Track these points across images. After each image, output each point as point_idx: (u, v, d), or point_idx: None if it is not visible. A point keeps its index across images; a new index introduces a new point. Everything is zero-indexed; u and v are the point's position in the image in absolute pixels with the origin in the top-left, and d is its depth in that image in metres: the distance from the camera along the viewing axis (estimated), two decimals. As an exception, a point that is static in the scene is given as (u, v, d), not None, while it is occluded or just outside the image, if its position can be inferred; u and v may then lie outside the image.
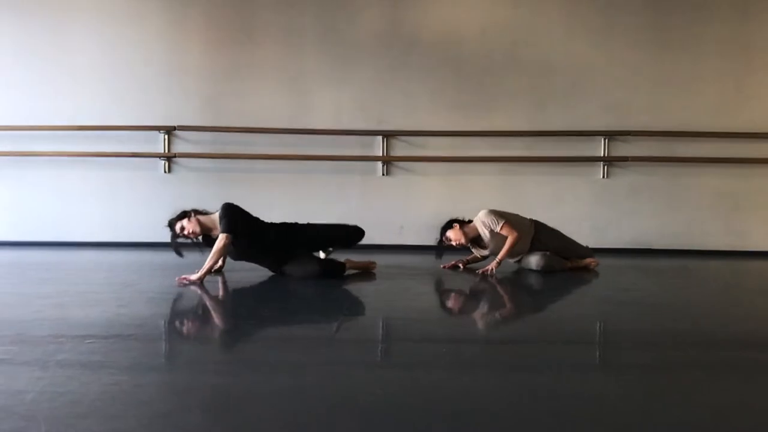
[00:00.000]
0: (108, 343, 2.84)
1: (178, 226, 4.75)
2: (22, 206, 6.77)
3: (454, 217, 5.43)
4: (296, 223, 4.98)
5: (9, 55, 6.74)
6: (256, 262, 4.93)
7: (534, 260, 5.25)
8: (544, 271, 5.15)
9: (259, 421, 1.96)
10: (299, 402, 2.15)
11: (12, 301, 3.88)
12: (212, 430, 1.89)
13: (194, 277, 4.46)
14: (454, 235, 5.30)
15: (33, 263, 5.63)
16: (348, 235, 5.00)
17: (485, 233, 5.25)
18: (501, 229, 5.16)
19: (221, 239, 4.54)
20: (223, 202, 4.76)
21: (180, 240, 4.77)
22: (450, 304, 4.38)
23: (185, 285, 4.41)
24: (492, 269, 5.07)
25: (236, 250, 4.77)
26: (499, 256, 5.13)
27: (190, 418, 1.99)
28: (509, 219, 5.24)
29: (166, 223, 4.85)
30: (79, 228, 6.78)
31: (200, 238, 4.80)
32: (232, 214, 4.67)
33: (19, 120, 6.66)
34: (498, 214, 5.24)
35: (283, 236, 4.81)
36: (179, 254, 4.81)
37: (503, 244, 5.16)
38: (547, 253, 5.24)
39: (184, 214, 4.80)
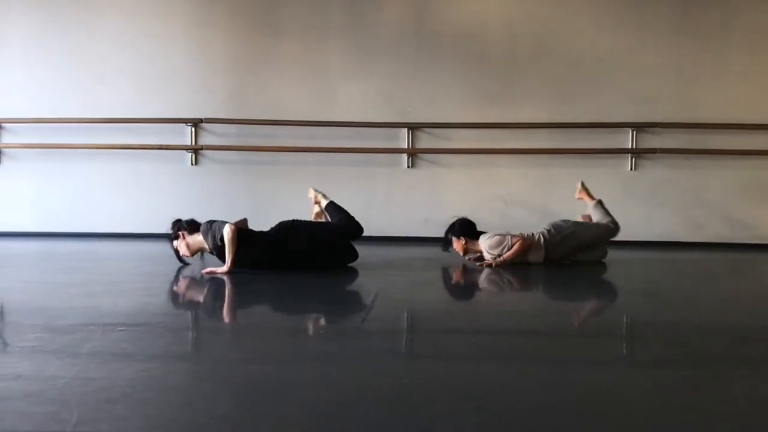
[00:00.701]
0: (137, 332, 2.87)
1: (175, 245, 4.77)
2: (51, 198, 6.86)
3: (467, 217, 5.32)
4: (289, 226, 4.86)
5: (37, 49, 6.81)
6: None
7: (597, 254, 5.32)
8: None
9: (287, 409, 1.97)
10: (326, 391, 2.16)
11: (42, 290, 3.93)
12: (241, 417, 1.90)
13: (221, 270, 4.49)
14: (456, 246, 5.27)
15: (61, 254, 5.70)
16: (348, 232, 4.97)
17: (488, 255, 5.18)
18: (513, 243, 5.10)
19: (227, 232, 4.51)
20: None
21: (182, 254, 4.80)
22: (474, 296, 4.37)
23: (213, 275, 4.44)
24: (492, 264, 5.03)
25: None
26: (505, 256, 5.06)
27: (218, 404, 2.00)
28: (514, 234, 5.19)
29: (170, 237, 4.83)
30: (106, 219, 6.85)
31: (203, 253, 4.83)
32: (213, 221, 4.68)
33: (47, 113, 6.74)
34: (502, 236, 5.13)
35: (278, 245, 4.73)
36: (183, 262, 4.81)
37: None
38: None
39: (176, 226, 4.76)
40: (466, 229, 5.26)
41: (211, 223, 4.65)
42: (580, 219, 5.52)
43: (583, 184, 5.69)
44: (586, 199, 5.57)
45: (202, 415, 1.89)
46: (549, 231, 5.19)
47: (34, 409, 1.92)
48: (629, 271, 4.97)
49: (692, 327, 3.23)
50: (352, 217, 5.02)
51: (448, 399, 2.08)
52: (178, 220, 4.79)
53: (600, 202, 5.50)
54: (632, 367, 2.56)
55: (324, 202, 5.10)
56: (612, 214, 5.44)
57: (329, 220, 5.04)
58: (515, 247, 5.05)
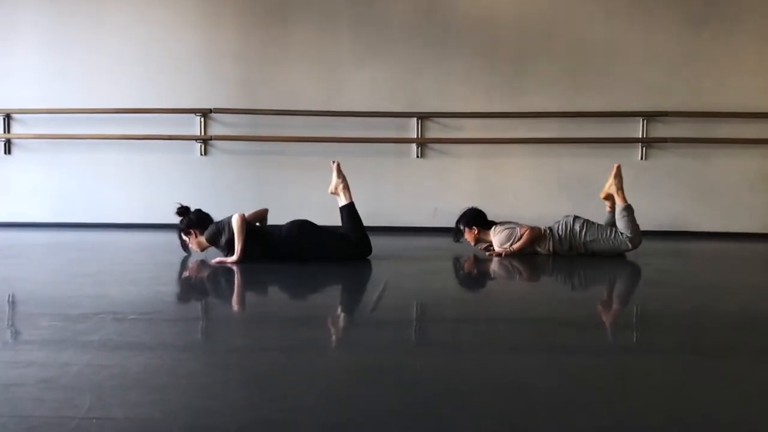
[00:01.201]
0: (149, 320, 2.87)
1: (184, 238, 4.77)
2: (60, 188, 6.88)
3: (479, 207, 5.30)
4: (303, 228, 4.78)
5: (47, 40, 6.83)
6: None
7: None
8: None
9: (300, 393, 1.97)
10: (337, 376, 2.16)
11: (54, 280, 3.95)
12: (256, 401, 1.90)
13: (231, 260, 4.49)
14: (467, 236, 5.25)
15: (72, 244, 5.72)
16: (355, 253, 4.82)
17: (499, 248, 5.16)
18: (521, 234, 5.08)
19: (236, 220, 4.50)
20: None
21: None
22: (485, 285, 4.36)
23: (223, 264, 4.45)
24: (501, 253, 5.02)
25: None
26: (515, 247, 5.03)
27: (232, 390, 2.00)
28: (523, 225, 5.17)
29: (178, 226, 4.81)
30: (116, 210, 6.87)
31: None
32: (217, 222, 4.68)
33: (56, 103, 6.76)
34: (511, 230, 5.11)
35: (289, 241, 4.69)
36: (188, 252, 4.81)
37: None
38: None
39: (187, 222, 4.74)
40: (477, 218, 5.25)
41: (216, 224, 4.64)
42: (607, 207, 5.27)
43: (619, 171, 5.20)
44: (618, 199, 5.15)
45: (215, 400, 1.89)
46: (560, 237, 5.09)
47: (47, 395, 1.92)
48: (639, 260, 4.95)
49: (705, 315, 3.21)
50: (364, 236, 4.80)
51: (460, 386, 2.07)
52: (185, 211, 4.76)
53: (629, 208, 5.10)
54: (646, 353, 2.54)
55: (343, 200, 4.84)
56: (635, 224, 5.09)
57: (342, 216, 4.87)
58: (524, 237, 5.03)
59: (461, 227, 5.24)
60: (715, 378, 2.22)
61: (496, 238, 5.13)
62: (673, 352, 2.52)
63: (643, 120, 6.67)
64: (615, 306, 3.73)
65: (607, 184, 5.22)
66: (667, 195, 6.71)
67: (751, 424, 1.79)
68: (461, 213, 5.28)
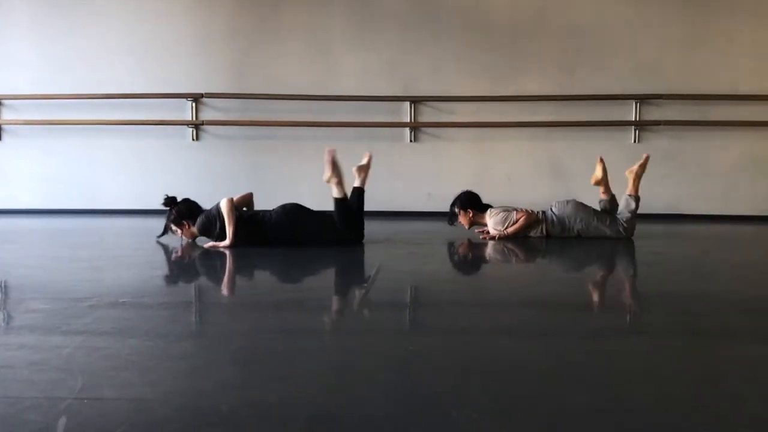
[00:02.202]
0: (142, 304, 2.87)
1: (174, 229, 4.78)
2: (53, 174, 6.85)
3: (472, 190, 5.30)
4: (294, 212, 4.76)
5: (38, 26, 6.77)
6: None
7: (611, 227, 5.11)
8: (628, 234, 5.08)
9: (292, 375, 1.97)
10: (330, 358, 2.16)
11: (46, 265, 3.93)
12: (247, 383, 1.90)
13: (223, 244, 4.48)
14: (462, 219, 5.25)
15: (65, 229, 5.70)
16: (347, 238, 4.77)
17: (494, 230, 5.15)
18: (517, 219, 5.07)
19: (225, 204, 4.51)
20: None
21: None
22: (478, 268, 4.37)
23: (215, 249, 4.45)
24: (495, 236, 5.02)
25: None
26: (510, 230, 5.03)
27: (223, 371, 2.00)
28: (519, 209, 5.16)
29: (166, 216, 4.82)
30: (108, 195, 6.85)
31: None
32: (206, 211, 4.69)
33: (47, 89, 6.71)
34: (507, 213, 5.12)
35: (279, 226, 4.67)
36: (165, 234, 4.83)
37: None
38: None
39: (178, 213, 4.75)
40: (471, 201, 5.25)
41: (206, 214, 4.65)
42: (601, 193, 5.21)
43: (603, 165, 5.19)
44: (633, 187, 5.13)
45: (207, 381, 1.89)
46: (553, 221, 5.09)
47: (38, 376, 1.92)
48: (633, 242, 4.95)
49: (699, 297, 3.22)
50: (353, 225, 4.72)
51: (453, 366, 2.07)
52: (173, 201, 4.76)
53: (639, 199, 5.11)
54: (640, 336, 2.55)
55: (335, 193, 4.69)
56: (634, 216, 5.11)
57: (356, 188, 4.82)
58: (520, 221, 5.04)
59: (456, 210, 5.24)
60: (712, 358, 2.23)
61: (492, 220, 5.13)
62: (668, 334, 2.52)
63: (636, 103, 6.66)
64: (609, 288, 3.73)
65: (599, 170, 5.19)
66: (661, 178, 6.70)
67: (749, 405, 1.80)
68: (456, 196, 5.28)
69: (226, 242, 4.47)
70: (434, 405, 1.72)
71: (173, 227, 4.78)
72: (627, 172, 5.19)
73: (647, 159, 5.20)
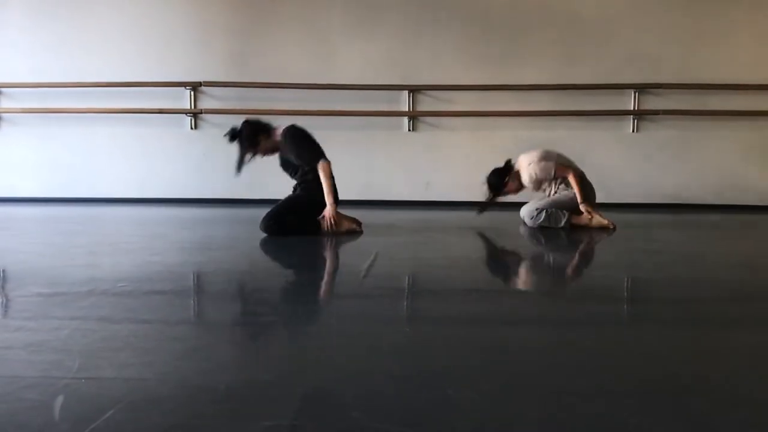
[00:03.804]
0: (141, 286, 2.87)
1: (247, 157, 4.69)
2: (51, 163, 6.85)
3: (492, 167, 5.24)
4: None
5: (36, 13, 6.75)
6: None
7: (528, 212, 5.05)
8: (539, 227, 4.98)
9: (291, 355, 1.98)
10: (330, 340, 2.17)
11: (44, 251, 3.93)
12: (246, 362, 1.91)
13: (328, 212, 4.49)
14: (511, 188, 5.14)
15: (63, 217, 5.70)
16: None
17: (530, 183, 5.06)
18: (556, 174, 4.98)
19: (323, 169, 4.49)
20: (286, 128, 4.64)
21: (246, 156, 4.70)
22: (477, 255, 4.37)
23: (331, 223, 4.49)
24: (594, 216, 4.96)
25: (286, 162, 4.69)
26: (584, 202, 4.92)
27: (222, 352, 2.01)
28: (557, 161, 5.04)
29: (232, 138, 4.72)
30: (107, 184, 6.85)
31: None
32: (305, 140, 4.62)
33: (46, 77, 6.70)
34: (547, 162, 4.98)
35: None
36: (240, 169, 4.73)
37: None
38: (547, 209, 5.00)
39: (253, 128, 4.67)
40: (501, 174, 5.15)
41: (297, 136, 4.59)
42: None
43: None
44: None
45: (205, 361, 1.90)
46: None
47: (36, 357, 1.92)
48: (632, 232, 4.96)
49: (701, 285, 3.23)
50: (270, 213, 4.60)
51: (450, 350, 2.08)
52: (239, 131, 4.68)
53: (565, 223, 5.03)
54: (639, 322, 2.56)
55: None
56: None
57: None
58: (574, 183, 4.94)
59: (496, 186, 5.14)
60: (711, 343, 2.24)
61: (533, 170, 5.00)
62: (668, 320, 2.53)
63: (634, 92, 6.66)
64: (609, 276, 3.74)
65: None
66: (659, 167, 6.72)
67: (747, 388, 1.81)
68: (487, 181, 5.18)
69: (331, 210, 4.49)
70: (430, 384, 1.73)
71: (250, 151, 4.67)
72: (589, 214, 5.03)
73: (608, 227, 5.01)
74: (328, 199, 4.49)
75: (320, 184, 4.55)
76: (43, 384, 1.71)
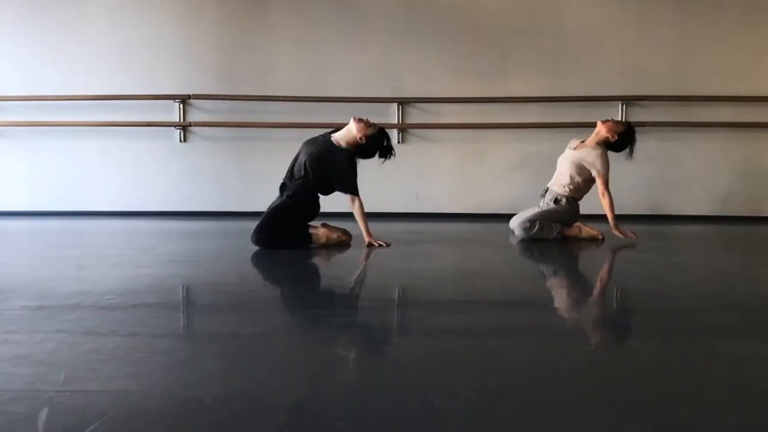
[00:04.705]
0: (128, 299, 2.86)
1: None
2: (40, 177, 6.81)
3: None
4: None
5: (23, 25, 6.74)
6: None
7: (519, 223, 5.04)
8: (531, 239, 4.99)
9: (277, 368, 1.97)
10: (315, 353, 2.17)
11: (33, 264, 3.91)
12: (231, 375, 1.90)
13: (372, 241, 4.58)
14: (605, 129, 5.08)
15: (52, 231, 5.67)
16: None
17: (577, 175, 5.05)
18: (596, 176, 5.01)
19: (360, 204, 4.64)
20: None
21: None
22: (466, 266, 4.38)
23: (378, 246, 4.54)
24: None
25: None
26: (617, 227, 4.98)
27: (207, 364, 2.00)
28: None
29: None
30: (95, 197, 6.82)
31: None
32: (354, 168, 4.72)
33: (34, 90, 6.68)
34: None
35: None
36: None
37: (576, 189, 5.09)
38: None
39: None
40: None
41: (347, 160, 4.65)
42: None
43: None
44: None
45: (190, 373, 1.89)
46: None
47: (21, 370, 1.91)
48: (619, 243, 4.97)
49: (687, 295, 3.25)
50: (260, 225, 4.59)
51: (437, 361, 2.08)
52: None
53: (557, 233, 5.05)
54: (626, 332, 2.57)
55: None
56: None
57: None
58: (608, 205, 4.99)
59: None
60: (699, 354, 2.25)
61: (602, 160, 5.02)
62: (653, 331, 2.54)
63: (622, 104, 6.70)
64: (595, 287, 3.75)
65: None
66: (647, 179, 6.75)
67: (739, 395, 1.82)
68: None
69: (370, 240, 4.59)
70: (417, 395, 1.73)
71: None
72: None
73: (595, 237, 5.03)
74: (366, 231, 4.61)
75: (308, 197, 4.57)
76: (28, 397, 1.70)
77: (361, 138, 4.68)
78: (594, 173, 5.02)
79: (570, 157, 5.15)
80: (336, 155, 4.60)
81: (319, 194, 4.68)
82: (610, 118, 5.26)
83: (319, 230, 4.62)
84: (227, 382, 1.83)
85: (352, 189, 4.60)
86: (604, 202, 4.98)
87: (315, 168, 4.56)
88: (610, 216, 4.98)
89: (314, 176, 4.57)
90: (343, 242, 4.64)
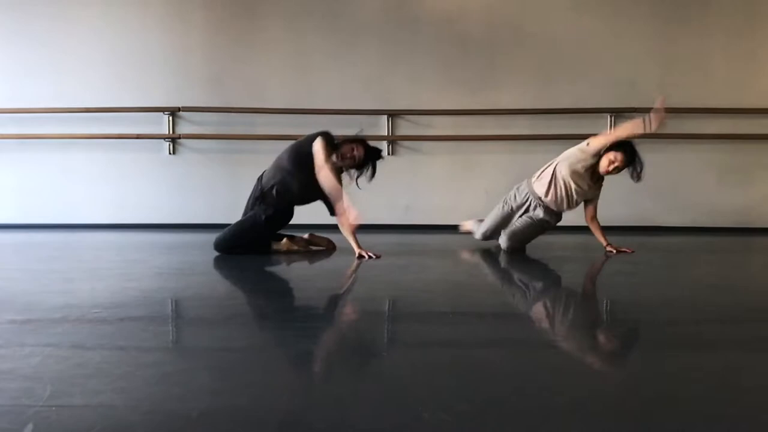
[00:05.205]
0: (116, 312, 2.84)
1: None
2: (28, 189, 6.79)
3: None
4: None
5: (12, 38, 6.73)
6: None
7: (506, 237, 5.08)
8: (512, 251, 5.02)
9: (265, 381, 1.96)
10: (303, 366, 2.16)
11: (20, 277, 3.89)
12: (216, 389, 1.89)
13: (363, 252, 4.55)
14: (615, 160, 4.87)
15: (41, 243, 5.64)
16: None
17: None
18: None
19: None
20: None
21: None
22: (456, 278, 4.38)
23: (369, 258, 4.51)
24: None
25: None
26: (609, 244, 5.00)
27: (195, 378, 1.99)
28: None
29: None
30: (85, 210, 6.79)
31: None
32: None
33: (23, 103, 6.67)
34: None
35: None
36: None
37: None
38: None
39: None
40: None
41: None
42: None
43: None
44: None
45: (177, 387, 1.88)
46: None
47: (5, 385, 1.89)
48: (602, 253, 4.99)
49: (674, 307, 3.26)
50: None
51: (426, 373, 2.07)
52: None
53: None
54: (614, 344, 2.57)
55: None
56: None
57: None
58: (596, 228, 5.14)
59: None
60: (685, 364, 2.26)
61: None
62: (641, 342, 2.55)
63: (610, 116, 6.75)
64: (583, 299, 3.76)
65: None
66: (634, 190, 6.76)
67: (716, 408, 1.82)
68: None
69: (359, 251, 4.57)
70: (406, 408, 1.72)
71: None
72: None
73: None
74: (355, 243, 4.64)
75: (278, 204, 4.72)
76: (13, 412, 1.68)
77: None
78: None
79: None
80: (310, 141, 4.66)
81: (295, 204, 4.78)
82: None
83: (281, 244, 4.74)
84: (215, 397, 1.81)
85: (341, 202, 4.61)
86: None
87: (291, 158, 4.66)
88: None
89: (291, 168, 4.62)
90: (313, 250, 4.73)
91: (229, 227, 4.76)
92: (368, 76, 6.79)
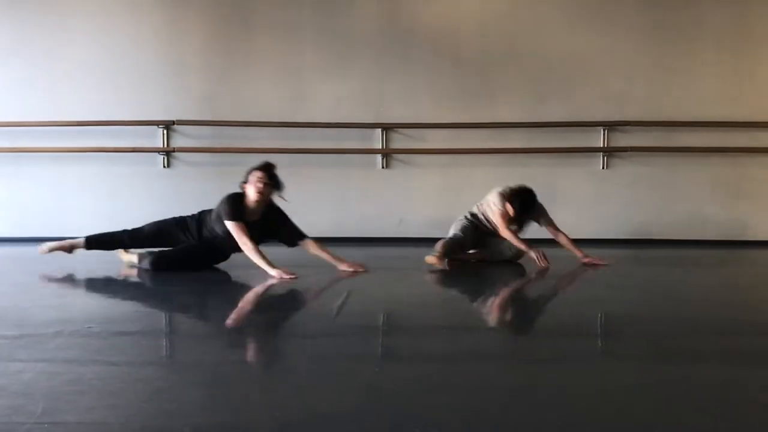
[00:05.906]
0: (109, 327, 2.84)
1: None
2: (21, 203, 6.76)
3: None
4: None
5: (6, 51, 6.73)
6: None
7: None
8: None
9: (256, 397, 1.96)
10: (297, 381, 2.16)
11: (12, 291, 3.88)
12: (208, 404, 1.89)
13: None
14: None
15: (33, 257, 5.61)
16: None
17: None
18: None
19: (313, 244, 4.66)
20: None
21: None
22: (450, 293, 4.38)
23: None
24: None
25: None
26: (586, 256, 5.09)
27: (186, 394, 1.99)
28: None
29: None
30: (78, 223, 6.74)
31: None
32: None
33: (16, 116, 6.66)
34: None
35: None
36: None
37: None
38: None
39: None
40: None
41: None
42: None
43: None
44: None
45: (170, 404, 1.88)
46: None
47: (-2, 401, 1.89)
48: (602, 267, 5.00)
49: (670, 320, 3.27)
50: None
51: (420, 389, 2.08)
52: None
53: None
54: (608, 357, 2.58)
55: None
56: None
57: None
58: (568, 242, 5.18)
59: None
60: (681, 379, 2.26)
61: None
62: (636, 356, 2.55)
63: (604, 129, 6.77)
64: (577, 311, 3.76)
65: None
66: (628, 203, 6.80)
67: (716, 420, 1.83)
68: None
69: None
70: (398, 423, 1.72)
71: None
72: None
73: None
74: (333, 257, 4.62)
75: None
76: (5, 430, 1.68)
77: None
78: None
79: None
80: (275, 212, 4.79)
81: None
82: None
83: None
84: (206, 413, 1.82)
85: (302, 236, 4.68)
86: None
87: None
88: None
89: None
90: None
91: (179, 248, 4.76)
92: (362, 90, 6.80)
